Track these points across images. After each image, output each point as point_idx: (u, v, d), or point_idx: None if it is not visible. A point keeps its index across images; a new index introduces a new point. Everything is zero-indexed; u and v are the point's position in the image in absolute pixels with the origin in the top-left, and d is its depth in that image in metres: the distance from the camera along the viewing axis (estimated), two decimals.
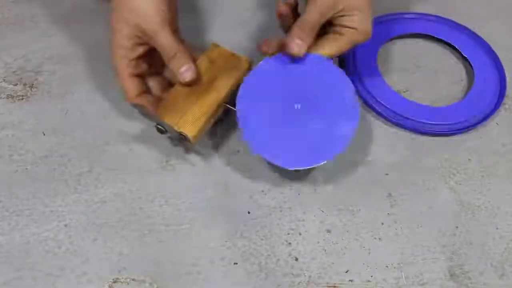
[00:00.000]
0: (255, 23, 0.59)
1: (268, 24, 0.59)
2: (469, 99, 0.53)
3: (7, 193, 0.47)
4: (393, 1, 0.61)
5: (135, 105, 0.47)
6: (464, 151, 0.51)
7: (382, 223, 0.46)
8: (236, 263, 0.44)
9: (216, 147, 0.50)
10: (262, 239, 0.45)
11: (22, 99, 0.53)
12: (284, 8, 0.49)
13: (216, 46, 0.49)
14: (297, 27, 0.45)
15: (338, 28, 0.46)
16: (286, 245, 0.45)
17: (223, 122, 0.51)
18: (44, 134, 0.50)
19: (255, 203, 0.47)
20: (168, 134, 0.47)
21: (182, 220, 0.46)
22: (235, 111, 0.46)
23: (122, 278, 0.43)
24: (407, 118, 0.52)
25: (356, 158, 0.50)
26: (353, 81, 0.52)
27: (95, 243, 0.45)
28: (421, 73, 0.56)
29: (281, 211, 0.47)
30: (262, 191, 0.48)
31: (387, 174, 0.49)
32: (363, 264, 0.44)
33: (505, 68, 0.55)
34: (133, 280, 0.43)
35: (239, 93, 0.46)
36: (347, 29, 0.46)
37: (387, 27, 0.58)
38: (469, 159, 0.50)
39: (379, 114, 0.52)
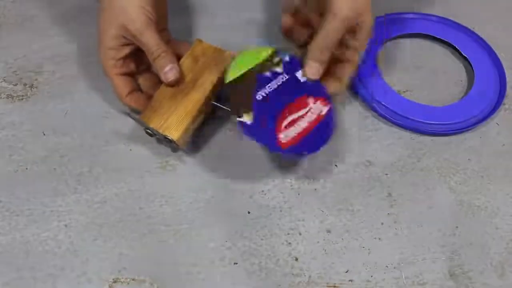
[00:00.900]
0: (254, 23, 0.59)
1: (268, 26, 0.59)
2: (469, 99, 0.53)
3: (7, 193, 0.47)
4: (393, 1, 0.61)
5: (127, 114, 0.48)
6: (464, 151, 0.51)
7: (382, 223, 0.46)
8: (236, 263, 0.44)
9: (216, 147, 0.50)
10: (262, 239, 0.45)
11: (22, 99, 0.53)
12: (287, 20, 0.49)
13: (200, 41, 0.49)
14: (315, 48, 0.45)
15: (343, 53, 0.47)
16: (286, 245, 0.45)
17: (223, 121, 0.51)
18: (44, 134, 0.50)
19: (255, 203, 0.47)
20: (157, 137, 0.48)
21: (182, 220, 0.46)
22: (223, 108, 0.46)
23: (122, 278, 0.43)
24: (407, 118, 0.52)
25: (356, 158, 0.50)
26: (353, 81, 0.53)
27: (95, 243, 0.45)
28: (421, 73, 0.56)
29: (281, 211, 0.47)
30: (262, 191, 0.48)
31: (387, 174, 0.49)
32: (363, 264, 0.44)
33: (505, 68, 0.55)
34: (133, 280, 0.43)
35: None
36: (353, 51, 0.46)
37: (387, 27, 0.58)
38: (469, 159, 0.50)
39: (379, 114, 0.52)
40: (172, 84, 0.46)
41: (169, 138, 0.45)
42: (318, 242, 0.45)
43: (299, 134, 0.45)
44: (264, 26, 0.59)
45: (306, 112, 0.46)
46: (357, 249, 0.45)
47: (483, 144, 0.51)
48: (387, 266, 0.44)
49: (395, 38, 0.58)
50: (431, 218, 0.47)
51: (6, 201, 0.47)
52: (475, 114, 0.52)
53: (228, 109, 0.46)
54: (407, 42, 0.59)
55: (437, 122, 0.51)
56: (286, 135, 0.44)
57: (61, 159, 0.49)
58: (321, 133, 0.45)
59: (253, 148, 0.50)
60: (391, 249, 0.45)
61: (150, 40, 0.45)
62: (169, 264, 0.44)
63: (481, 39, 0.58)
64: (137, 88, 0.49)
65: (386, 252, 0.45)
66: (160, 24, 0.48)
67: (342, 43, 0.46)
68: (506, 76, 0.55)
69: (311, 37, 0.47)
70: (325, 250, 0.45)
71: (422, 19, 0.60)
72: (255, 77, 0.45)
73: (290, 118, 0.45)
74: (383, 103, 0.52)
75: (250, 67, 0.45)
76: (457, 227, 0.46)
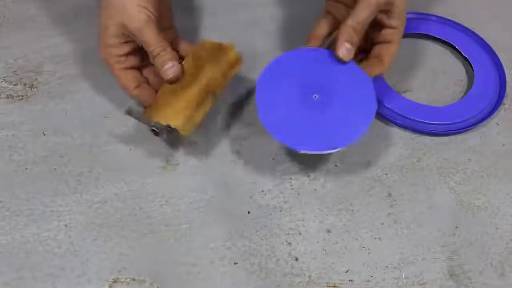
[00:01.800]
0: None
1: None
2: (469, 99, 0.53)
3: (7, 193, 0.47)
4: None
5: (129, 112, 0.47)
6: (464, 151, 0.51)
7: (382, 223, 0.46)
8: (236, 263, 0.44)
9: (215, 147, 0.50)
10: (262, 239, 0.45)
11: (22, 99, 0.53)
12: (315, 43, 0.49)
13: (202, 41, 0.50)
14: (348, 28, 0.45)
15: (384, 33, 0.46)
16: (286, 245, 0.45)
17: (223, 121, 0.51)
18: (44, 134, 0.50)
19: (255, 203, 0.47)
20: (164, 135, 0.47)
21: (182, 220, 0.46)
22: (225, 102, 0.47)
23: (122, 278, 0.43)
24: (407, 118, 0.52)
25: (356, 158, 0.50)
26: None
27: (95, 243, 0.45)
28: (421, 73, 0.56)
29: (281, 211, 0.47)
30: (262, 191, 0.48)
31: (387, 174, 0.49)
32: (363, 264, 0.44)
33: (505, 68, 0.55)
34: (133, 280, 0.43)
35: (260, 76, 0.46)
36: (393, 30, 0.46)
37: None
38: (469, 159, 0.50)
39: (379, 114, 0.52)
40: (172, 82, 0.46)
41: (171, 127, 0.45)
42: (318, 242, 0.45)
43: None
44: (264, 26, 0.59)
45: None
46: (357, 249, 0.45)
47: (483, 144, 0.51)
48: (387, 266, 0.44)
49: None
50: (431, 218, 0.47)
51: (6, 201, 0.47)
52: (474, 114, 0.52)
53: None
54: (407, 42, 0.59)
55: (437, 122, 0.51)
56: None
57: (61, 159, 0.49)
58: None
59: (254, 148, 0.50)
60: (391, 249, 0.45)
61: (150, 38, 0.44)
62: (169, 264, 0.44)
63: (481, 39, 0.58)
64: (144, 81, 0.48)
65: (386, 252, 0.45)
66: (164, 22, 0.48)
67: (377, 24, 0.46)
68: (506, 76, 0.55)
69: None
70: (325, 250, 0.45)
71: (422, 19, 0.60)
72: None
73: None
74: (383, 103, 0.52)
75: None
76: (457, 227, 0.46)
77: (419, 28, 0.59)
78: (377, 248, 0.45)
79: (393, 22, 0.46)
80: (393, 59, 0.48)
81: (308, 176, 0.49)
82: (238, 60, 0.49)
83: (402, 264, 0.44)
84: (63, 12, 0.59)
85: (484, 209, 0.47)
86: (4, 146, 0.50)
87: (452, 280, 0.44)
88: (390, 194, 0.48)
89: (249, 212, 0.47)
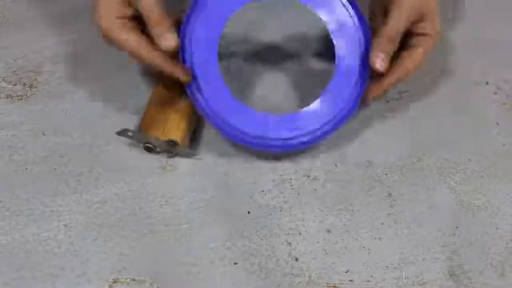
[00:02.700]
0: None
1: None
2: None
3: (7, 193, 0.47)
4: None
5: (120, 133, 0.46)
6: (464, 151, 0.51)
7: (382, 223, 0.46)
8: (236, 263, 0.44)
9: (216, 147, 0.50)
10: (262, 239, 0.45)
11: (22, 99, 0.53)
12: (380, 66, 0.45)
13: None
14: (383, 38, 0.44)
15: (413, 40, 0.45)
16: (286, 245, 0.45)
17: None
18: (44, 134, 0.50)
19: (255, 203, 0.47)
20: (158, 149, 0.48)
21: (182, 220, 0.46)
22: None
23: (122, 278, 0.43)
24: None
25: (356, 158, 0.50)
26: None
27: (95, 243, 0.45)
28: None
29: (281, 211, 0.47)
30: (262, 191, 0.48)
31: (387, 174, 0.49)
32: (363, 264, 0.44)
33: (505, 68, 0.55)
34: (133, 280, 0.43)
35: None
36: (422, 37, 0.45)
37: None
38: (469, 159, 0.50)
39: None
40: (169, 50, 0.44)
41: (173, 141, 0.45)
42: (318, 242, 0.45)
43: None
44: (265, 25, 0.59)
45: None
46: (357, 249, 0.45)
47: (483, 144, 0.51)
48: (387, 266, 0.44)
49: None
50: (431, 218, 0.47)
51: (6, 201, 0.47)
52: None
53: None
54: None
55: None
56: None
57: (61, 159, 0.49)
58: None
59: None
60: (391, 249, 0.45)
61: (148, 6, 0.43)
62: (169, 264, 0.44)
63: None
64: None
65: (386, 252, 0.45)
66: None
67: (412, 33, 0.45)
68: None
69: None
70: (325, 250, 0.45)
71: None
72: None
73: None
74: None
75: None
76: (457, 227, 0.46)
77: None
78: (377, 248, 0.45)
79: (427, 28, 0.45)
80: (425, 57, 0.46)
81: (308, 176, 0.49)
82: None
83: (402, 264, 0.44)
84: (63, 12, 0.59)
85: (484, 209, 0.47)
86: (4, 146, 0.50)
87: (452, 280, 0.44)
88: (390, 194, 0.48)
89: (249, 212, 0.47)
